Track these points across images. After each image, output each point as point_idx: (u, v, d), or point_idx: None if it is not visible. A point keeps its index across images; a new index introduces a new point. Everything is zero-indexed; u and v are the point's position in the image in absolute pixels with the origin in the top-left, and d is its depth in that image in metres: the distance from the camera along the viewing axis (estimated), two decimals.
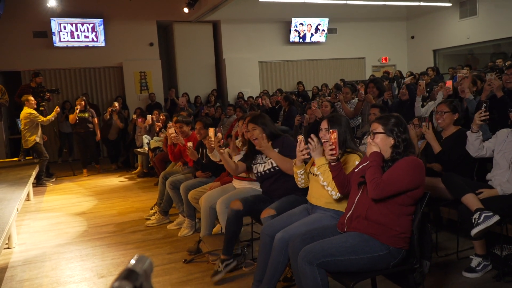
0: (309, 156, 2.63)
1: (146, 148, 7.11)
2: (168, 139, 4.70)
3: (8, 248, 3.91)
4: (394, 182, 2.09)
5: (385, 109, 4.39)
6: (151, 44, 10.74)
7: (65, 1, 8.99)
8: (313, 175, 2.62)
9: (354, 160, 2.52)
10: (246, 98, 10.21)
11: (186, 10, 9.77)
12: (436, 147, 3.26)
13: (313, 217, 2.57)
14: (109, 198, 5.93)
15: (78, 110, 7.44)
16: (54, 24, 9.71)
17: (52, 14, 9.33)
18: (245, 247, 3.38)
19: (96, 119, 7.86)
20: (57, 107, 7.08)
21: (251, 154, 3.26)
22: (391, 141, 2.23)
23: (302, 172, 2.71)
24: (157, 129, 7.19)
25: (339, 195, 2.45)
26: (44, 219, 5.00)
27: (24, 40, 9.60)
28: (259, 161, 3.18)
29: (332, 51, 12.68)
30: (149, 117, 7.44)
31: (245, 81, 11.37)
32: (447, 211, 3.15)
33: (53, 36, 9.76)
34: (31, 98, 6.86)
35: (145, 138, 7.38)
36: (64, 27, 9.84)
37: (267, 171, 3.11)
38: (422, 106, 5.02)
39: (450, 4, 11.72)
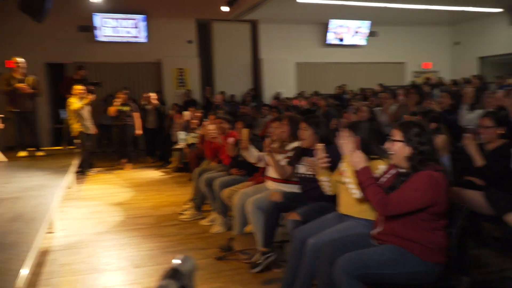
0: (329, 165, 2.65)
1: (182, 144, 7.27)
2: (206, 135, 4.80)
3: (51, 233, 4.12)
4: (403, 201, 2.02)
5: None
6: (190, 42, 10.95)
7: None
8: (342, 183, 2.58)
9: (376, 166, 2.48)
10: (281, 99, 10.24)
11: (225, 8, 9.89)
12: (479, 160, 3.18)
13: (346, 225, 2.57)
14: (145, 190, 6.12)
15: (119, 103, 7.66)
16: (97, 19, 10.06)
17: (95, 9, 9.67)
18: (274, 248, 3.43)
19: (137, 114, 8.05)
20: (90, 95, 7.27)
21: (298, 155, 3.30)
22: (408, 151, 2.11)
23: (327, 180, 2.73)
24: (193, 126, 7.35)
25: (361, 194, 2.38)
26: (84, 207, 5.24)
27: (68, 34, 9.99)
28: (304, 162, 3.23)
29: (371, 55, 12.52)
30: (186, 113, 7.60)
31: (281, 82, 11.41)
32: (490, 226, 3.07)
33: (96, 30, 10.12)
34: (77, 87, 7.14)
35: (181, 134, 7.55)
36: (108, 22, 10.18)
37: (307, 175, 3.15)
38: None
39: (501, 10, 11.31)
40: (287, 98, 10.00)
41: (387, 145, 2.24)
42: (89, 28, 10.14)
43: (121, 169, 7.82)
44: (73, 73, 8.61)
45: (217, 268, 3.32)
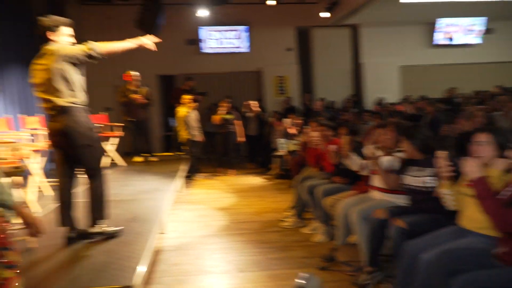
0: (454, 174, 2.41)
1: (282, 151, 7.32)
2: (309, 142, 4.75)
3: (162, 233, 4.40)
4: None
5: None
6: (290, 50, 11.03)
7: (214, 10, 9.75)
8: (468, 196, 2.33)
9: (498, 177, 2.21)
10: (384, 104, 9.81)
11: (324, 14, 9.79)
12: None
13: (464, 242, 2.33)
14: (247, 196, 6.27)
15: (223, 111, 7.96)
16: (203, 32, 10.64)
17: (201, 22, 10.23)
18: (380, 265, 3.24)
19: (239, 122, 8.30)
20: (193, 103, 7.63)
21: (405, 165, 3.13)
22: None
23: (449, 193, 2.49)
24: (292, 134, 7.37)
25: None
26: (192, 210, 5.52)
27: (177, 47, 10.68)
28: (411, 173, 3.04)
29: (487, 54, 11.40)
30: (286, 120, 7.65)
31: (384, 87, 10.92)
32: None
33: (202, 43, 10.70)
34: (185, 96, 7.62)
35: (281, 141, 7.60)
36: (212, 35, 10.71)
37: (416, 188, 2.96)
38: None
39: None
40: (391, 104, 9.54)
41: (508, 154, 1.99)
42: (196, 41, 10.76)
43: (225, 175, 8.10)
44: (182, 83, 9.20)
45: (320, 278, 3.24)
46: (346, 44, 11.31)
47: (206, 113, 10.07)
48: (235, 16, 10.64)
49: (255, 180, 7.60)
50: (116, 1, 9.92)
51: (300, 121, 7.39)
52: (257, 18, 10.74)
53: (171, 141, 8.74)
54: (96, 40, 3.05)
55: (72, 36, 3.03)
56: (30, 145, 4.85)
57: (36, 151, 4.62)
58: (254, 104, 8.77)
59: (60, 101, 2.86)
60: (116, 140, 6.93)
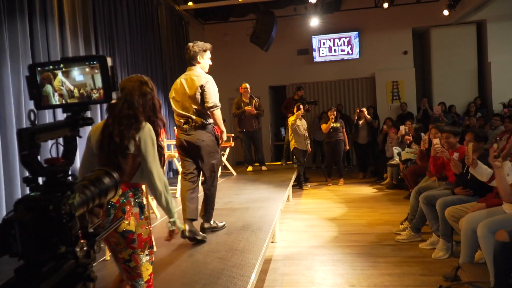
0: None
1: (397, 160, 6.95)
2: (432, 150, 4.43)
3: (273, 242, 4.46)
4: None
5: None
6: (405, 53, 10.46)
7: (325, 19, 9.72)
8: None
9: None
10: None
11: (446, 12, 9.08)
12: None
13: None
14: (358, 207, 6.06)
15: (332, 120, 7.84)
16: (315, 41, 10.65)
17: (313, 32, 10.27)
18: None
19: (344, 129, 8.11)
20: (300, 111, 7.59)
21: None
22: None
23: None
24: (408, 142, 6.95)
25: None
26: (301, 220, 5.50)
27: (289, 58, 10.88)
28: None
29: None
30: (402, 127, 7.25)
31: None
32: None
33: (313, 52, 10.73)
34: (298, 105, 7.69)
35: (396, 149, 7.22)
36: (324, 43, 10.67)
37: None
38: None
39: None
40: None
41: None
42: (307, 51, 10.83)
43: (335, 184, 7.95)
44: (293, 93, 9.30)
45: None
46: (470, 43, 10.32)
47: (316, 122, 10.05)
48: (346, 22, 10.48)
49: (367, 190, 7.33)
50: (232, 18, 10.49)
51: (415, 128, 6.92)
52: (368, 23, 10.43)
53: (282, 151, 8.88)
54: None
55: (210, 58, 3.56)
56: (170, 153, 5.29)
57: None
58: (364, 111, 8.48)
59: (196, 118, 3.39)
60: (227, 150, 7.25)
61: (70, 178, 0.89)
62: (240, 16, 10.21)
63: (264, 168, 7.52)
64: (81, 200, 0.88)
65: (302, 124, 7.66)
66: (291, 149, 7.70)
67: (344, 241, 4.47)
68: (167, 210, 2.07)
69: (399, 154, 6.98)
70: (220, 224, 3.74)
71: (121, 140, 1.94)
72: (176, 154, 4.83)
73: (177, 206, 2.84)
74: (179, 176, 4.84)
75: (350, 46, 10.57)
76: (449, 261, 3.64)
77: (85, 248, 0.85)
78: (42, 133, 0.86)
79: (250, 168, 7.62)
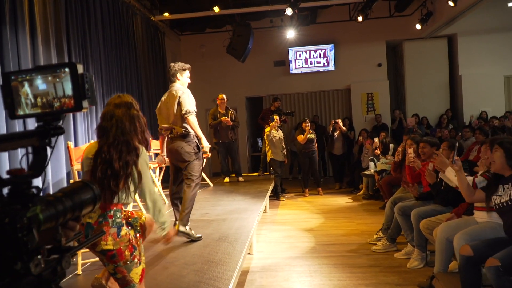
0: None
1: (372, 170, 7.05)
2: (406, 159, 4.52)
3: (249, 254, 4.43)
4: None
5: None
6: (379, 65, 10.70)
7: (301, 31, 9.86)
8: None
9: None
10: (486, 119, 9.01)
11: (418, 26, 9.36)
12: None
13: None
14: (335, 217, 6.10)
15: (310, 131, 7.89)
16: (291, 53, 10.78)
17: (290, 44, 10.39)
18: None
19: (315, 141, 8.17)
20: (274, 122, 7.68)
21: (493, 183, 2.86)
22: None
23: None
24: (376, 154, 7.09)
25: None
26: (278, 231, 5.48)
27: (266, 69, 10.96)
28: (499, 193, 2.77)
29: None
30: (376, 139, 7.38)
31: (486, 99, 10.04)
32: None
33: (290, 64, 10.84)
34: (273, 117, 7.74)
35: (371, 160, 7.33)
36: (300, 55, 10.80)
37: (505, 204, 2.67)
38: None
39: None
40: (494, 117, 8.72)
41: None
42: (284, 63, 10.94)
43: (312, 194, 7.99)
44: (269, 104, 9.37)
45: None
46: (441, 56, 10.66)
47: (293, 133, 10.11)
48: (322, 35, 10.65)
49: (343, 201, 7.39)
50: (209, 29, 10.52)
51: (382, 141, 7.08)
52: (343, 35, 10.64)
53: (259, 162, 8.89)
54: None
55: (189, 77, 3.96)
56: (153, 162, 5.26)
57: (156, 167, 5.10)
58: (339, 122, 8.60)
59: (177, 128, 3.78)
60: (204, 161, 7.19)
61: (34, 190, 0.85)
62: (217, 27, 10.26)
63: (240, 179, 7.50)
64: (50, 214, 0.84)
65: (279, 135, 7.70)
66: (268, 160, 7.71)
67: (321, 251, 4.48)
68: (156, 221, 2.30)
69: (373, 165, 7.09)
70: (196, 235, 3.77)
71: (123, 167, 2.12)
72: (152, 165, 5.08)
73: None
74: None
75: (325, 58, 10.73)
76: (424, 271, 3.69)
77: (41, 265, 0.80)
78: (1, 143, 0.83)
79: (227, 179, 7.58)
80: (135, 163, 2.16)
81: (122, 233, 2.16)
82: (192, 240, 3.71)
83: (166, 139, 3.91)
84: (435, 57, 10.61)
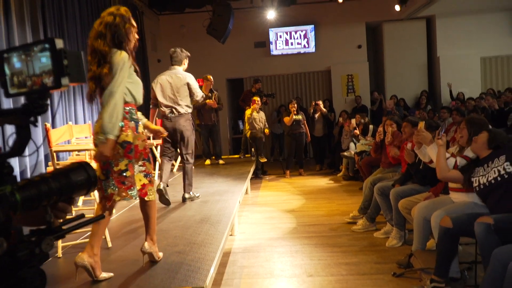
0: None
1: (352, 152, 7.13)
2: (387, 137, 4.57)
3: (231, 235, 4.45)
4: None
5: None
6: (359, 47, 10.72)
7: (282, 12, 9.76)
8: None
9: None
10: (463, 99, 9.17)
11: (397, 7, 9.37)
12: None
13: None
14: (315, 198, 6.17)
15: (294, 112, 7.90)
16: (272, 34, 10.68)
17: (270, 25, 10.29)
18: (465, 270, 3.00)
19: (305, 122, 8.22)
20: (255, 104, 7.70)
21: (470, 167, 2.93)
22: None
23: None
24: (356, 134, 7.17)
25: None
26: (259, 212, 5.53)
27: (246, 51, 10.85)
28: (480, 173, 2.83)
29: None
30: (352, 120, 7.45)
31: (463, 80, 10.20)
32: None
33: (270, 45, 10.75)
34: (254, 99, 7.72)
35: (351, 141, 7.41)
36: (280, 36, 10.72)
37: (492, 181, 2.72)
38: None
39: None
40: (471, 99, 8.88)
41: None
42: (264, 44, 10.84)
43: (294, 176, 8.06)
44: (250, 86, 9.31)
45: (395, 285, 3.09)
46: (420, 38, 10.75)
47: (274, 115, 10.11)
48: (302, 16, 10.57)
49: (323, 182, 7.47)
50: (188, 9, 10.30)
51: (367, 120, 7.16)
52: (324, 17, 10.58)
53: (239, 144, 8.88)
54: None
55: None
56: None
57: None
58: (320, 104, 8.62)
59: (179, 108, 4.36)
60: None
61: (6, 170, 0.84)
62: (197, 7, 10.03)
63: (221, 161, 7.48)
64: (30, 194, 0.83)
65: (259, 116, 7.67)
66: (250, 142, 7.72)
67: (302, 232, 4.54)
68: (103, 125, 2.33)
69: (353, 146, 7.18)
70: (197, 195, 4.61)
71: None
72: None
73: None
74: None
75: (306, 40, 10.69)
76: (402, 249, 3.78)
77: (4, 245, 0.78)
78: None
79: (208, 162, 7.56)
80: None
81: (140, 129, 2.51)
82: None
83: (156, 113, 4.48)
84: (413, 39, 10.69)
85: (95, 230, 2.47)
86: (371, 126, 7.18)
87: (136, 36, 2.62)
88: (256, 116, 7.62)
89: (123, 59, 2.43)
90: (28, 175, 4.56)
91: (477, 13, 10.24)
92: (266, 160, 7.78)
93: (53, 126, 4.97)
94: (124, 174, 2.41)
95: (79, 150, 4.74)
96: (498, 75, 10.69)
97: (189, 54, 4.56)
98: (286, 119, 7.92)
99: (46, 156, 4.77)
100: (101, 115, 2.36)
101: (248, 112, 7.70)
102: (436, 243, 2.87)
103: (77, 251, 3.05)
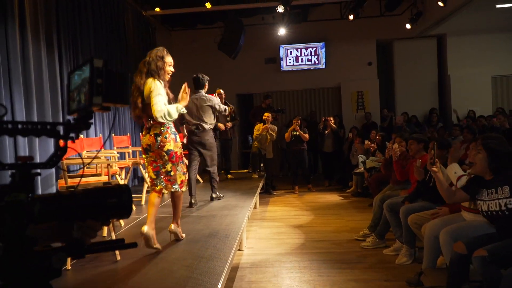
0: None
1: (362, 168, 7.09)
2: (393, 155, 4.56)
3: (240, 250, 4.44)
4: None
5: None
6: (370, 64, 10.76)
7: (292, 29, 9.86)
8: None
9: None
10: (475, 118, 9.12)
11: (408, 26, 9.43)
12: None
13: None
14: (324, 214, 6.13)
15: (294, 127, 7.90)
16: (282, 50, 10.78)
17: (281, 41, 10.40)
18: None
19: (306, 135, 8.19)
20: (267, 123, 7.75)
21: (474, 185, 2.88)
22: None
23: None
24: (372, 150, 7.12)
25: None
26: (268, 227, 5.50)
27: (257, 66, 10.95)
28: (483, 198, 2.78)
29: None
30: (367, 142, 7.43)
31: (474, 99, 10.17)
32: None
33: (281, 61, 10.85)
34: (265, 116, 7.76)
35: (361, 158, 7.38)
36: (291, 53, 10.81)
37: (493, 212, 2.69)
38: None
39: None
40: (482, 117, 8.83)
41: None
42: (275, 60, 10.93)
43: (302, 192, 8.03)
44: (260, 102, 9.35)
45: None
46: (431, 56, 10.76)
47: (284, 130, 10.11)
48: (313, 33, 10.67)
49: (332, 198, 7.43)
50: (200, 25, 10.46)
51: (379, 138, 7.11)
52: (334, 34, 10.67)
53: (249, 158, 8.89)
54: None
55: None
56: (119, 162, 5.21)
57: (122, 168, 5.06)
58: (331, 120, 8.63)
59: (204, 125, 5.11)
60: None
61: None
62: (208, 23, 10.21)
63: (229, 176, 7.49)
64: (48, 208, 0.84)
65: (270, 137, 7.69)
66: (259, 157, 7.75)
67: (311, 248, 4.50)
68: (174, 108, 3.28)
69: (363, 162, 7.14)
70: (221, 195, 5.47)
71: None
72: (141, 161, 5.35)
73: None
74: (145, 185, 5.44)
75: (316, 56, 10.76)
76: (412, 267, 3.73)
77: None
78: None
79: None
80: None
81: (178, 139, 3.32)
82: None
83: (186, 128, 5.31)
84: (424, 57, 10.71)
85: (152, 211, 3.27)
86: (387, 143, 7.14)
87: (171, 70, 3.41)
88: (264, 132, 7.66)
89: (155, 84, 3.21)
90: (39, 186, 4.62)
91: (488, 32, 10.23)
92: (257, 176, 7.70)
93: None
94: (170, 174, 3.27)
95: (89, 163, 4.79)
96: (510, 94, 10.64)
97: (208, 78, 5.28)
98: (286, 135, 7.98)
99: (56, 169, 4.82)
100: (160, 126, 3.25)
101: (257, 127, 7.75)
102: (448, 265, 2.82)
103: (84, 263, 3.07)
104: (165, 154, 3.22)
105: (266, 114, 7.83)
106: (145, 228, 3.17)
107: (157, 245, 3.26)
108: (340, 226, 5.36)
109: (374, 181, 5.89)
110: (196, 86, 5.21)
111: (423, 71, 10.69)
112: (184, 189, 3.39)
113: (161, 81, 3.25)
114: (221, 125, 6.86)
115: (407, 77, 10.71)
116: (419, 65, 10.66)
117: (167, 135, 3.22)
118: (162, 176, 3.28)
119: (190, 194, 5.13)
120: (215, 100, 5.20)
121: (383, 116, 10.35)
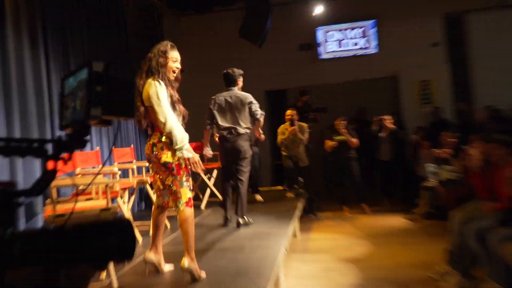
0: None
1: (433, 181, 6.87)
2: (471, 165, 4.34)
3: None
4: None
5: None
6: (436, 45, 10.49)
7: (333, 5, 9.75)
8: None
9: None
10: None
11: None
12: None
13: None
14: (386, 243, 6.00)
15: (341, 130, 7.79)
16: (321, 33, 10.67)
17: (318, 23, 10.30)
18: None
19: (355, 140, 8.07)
20: (294, 127, 7.65)
21: None
22: None
23: None
24: (448, 154, 6.90)
25: None
26: (312, 262, 5.40)
27: (289, 55, 10.87)
28: None
29: None
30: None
31: None
32: None
33: (319, 47, 10.73)
34: (287, 113, 7.71)
35: (430, 167, 7.15)
36: (332, 36, 10.70)
37: None
38: None
39: None
40: None
41: None
42: (311, 46, 10.82)
43: (354, 212, 7.89)
44: (295, 99, 9.25)
45: None
46: None
47: (327, 133, 9.94)
48: (359, 9, 10.54)
49: (395, 221, 7.30)
50: (215, 7, 10.48)
51: (455, 140, 6.86)
52: (388, 9, 10.48)
53: (282, 172, 8.79)
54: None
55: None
56: (120, 181, 5.16)
57: (124, 188, 4.99)
58: (388, 120, 8.42)
59: (239, 129, 5.30)
60: (214, 172, 7.21)
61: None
62: (226, 4, 10.22)
63: (258, 197, 7.32)
64: (33, 247, 0.81)
65: (305, 137, 7.62)
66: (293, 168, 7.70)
67: None
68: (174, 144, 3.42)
69: (434, 173, 6.93)
70: (251, 220, 5.40)
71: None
72: (149, 179, 5.58)
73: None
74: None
75: (365, 39, 10.61)
76: None
77: None
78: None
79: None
80: None
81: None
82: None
83: (210, 134, 5.55)
84: (509, 33, 10.35)
85: (156, 232, 3.72)
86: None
87: (177, 66, 3.62)
88: (297, 138, 7.59)
89: (155, 86, 3.42)
90: (22, 215, 4.61)
91: None
92: (293, 195, 7.54)
93: None
94: (171, 188, 3.50)
95: (84, 184, 4.75)
96: None
97: (242, 72, 5.54)
98: (327, 143, 7.87)
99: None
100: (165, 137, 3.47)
101: (280, 130, 7.72)
102: None
103: None
104: (162, 166, 3.47)
105: (288, 112, 7.72)
106: (151, 256, 3.69)
107: (168, 267, 3.78)
108: (409, 260, 5.21)
109: (452, 198, 5.66)
110: (227, 83, 5.44)
111: (509, 51, 10.32)
112: (192, 209, 3.54)
113: (161, 80, 3.43)
114: (261, 134, 6.62)
115: (489, 60, 10.35)
116: (502, 43, 10.30)
117: (164, 146, 3.44)
118: (167, 189, 3.57)
119: (224, 208, 5.48)
120: (254, 100, 5.37)
121: (459, 110, 10.02)
